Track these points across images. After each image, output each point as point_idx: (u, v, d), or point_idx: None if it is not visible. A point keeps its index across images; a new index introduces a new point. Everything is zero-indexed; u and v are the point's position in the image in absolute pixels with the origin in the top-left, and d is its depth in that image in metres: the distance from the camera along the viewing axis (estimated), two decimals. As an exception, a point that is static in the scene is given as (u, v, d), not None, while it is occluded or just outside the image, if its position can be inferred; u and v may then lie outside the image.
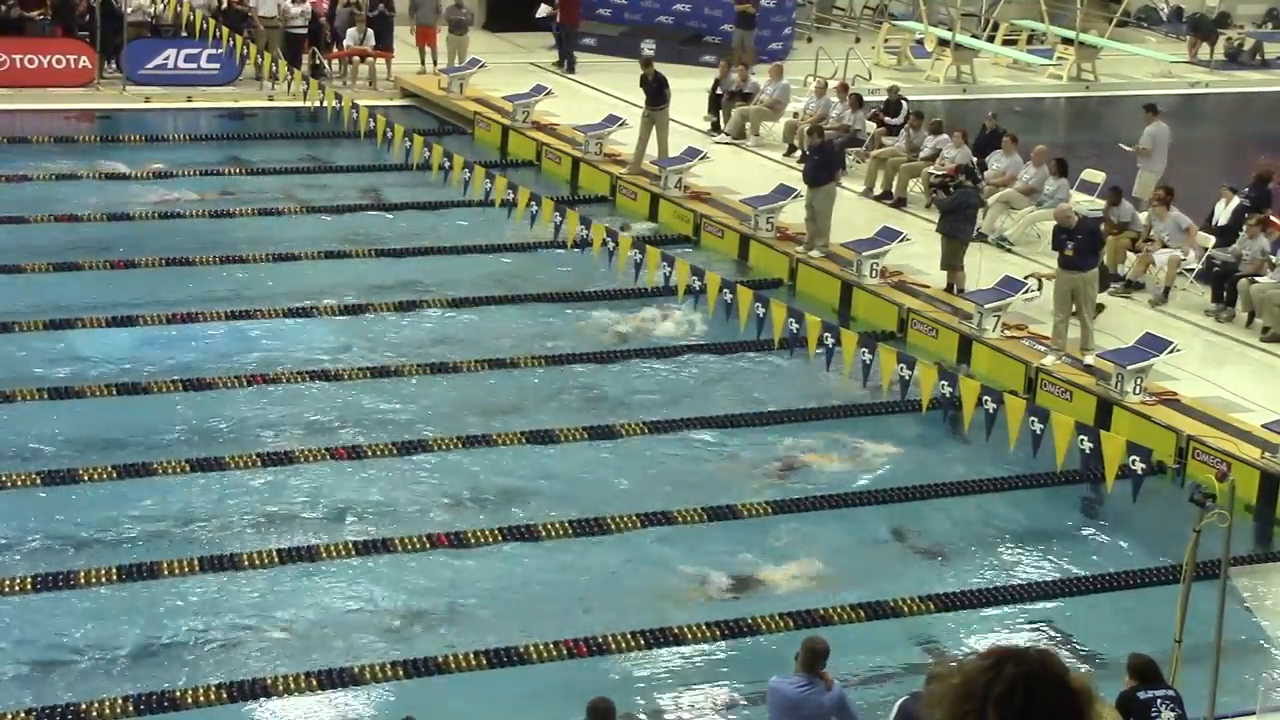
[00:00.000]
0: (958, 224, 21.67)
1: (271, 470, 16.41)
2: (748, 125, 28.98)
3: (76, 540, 14.95)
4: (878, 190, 25.97)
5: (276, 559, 14.66)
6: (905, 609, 14.41)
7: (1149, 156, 24.94)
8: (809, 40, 37.56)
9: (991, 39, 38.09)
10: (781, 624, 13.95)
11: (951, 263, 21.55)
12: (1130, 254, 22.29)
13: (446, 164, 23.23)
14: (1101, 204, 23.21)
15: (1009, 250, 23.28)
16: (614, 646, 13.53)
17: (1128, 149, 25.47)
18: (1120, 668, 11.83)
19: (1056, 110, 36.26)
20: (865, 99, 28.24)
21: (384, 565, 14.85)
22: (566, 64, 33.77)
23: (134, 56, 30.80)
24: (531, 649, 13.33)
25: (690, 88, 28.98)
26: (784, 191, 24.04)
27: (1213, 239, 22.22)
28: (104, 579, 14.02)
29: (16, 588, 13.77)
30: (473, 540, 15.16)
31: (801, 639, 11.68)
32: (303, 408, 18.07)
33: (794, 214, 23.51)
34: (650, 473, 17.20)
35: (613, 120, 27.74)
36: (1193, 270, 21.93)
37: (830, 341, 17.69)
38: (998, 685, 4.11)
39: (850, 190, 25.43)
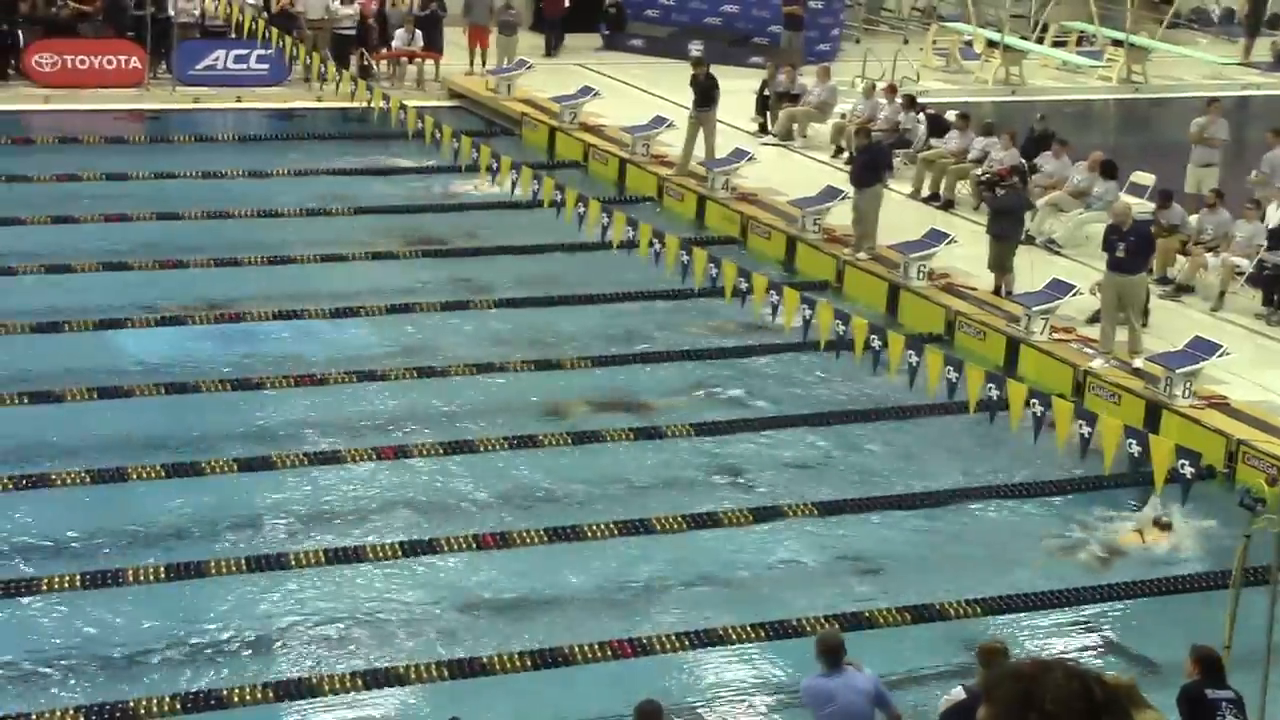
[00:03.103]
0: (1007, 226, 21.58)
1: (318, 470, 16.46)
2: (795, 127, 28.94)
3: (125, 539, 15.03)
4: (925, 192, 25.89)
5: (323, 559, 14.69)
6: (952, 612, 14.35)
7: (1265, 184, 23.94)
8: (857, 42, 37.49)
9: (1041, 40, 37.92)
10: (827, 625, 13.88)
11: (1000, 265, 21.46)
12: (1180, 257, 22.16)
13: (494, 164, 23.27)
14: (1151, 207, 23.07)
15: (1058, 253, 23.17)
16: (659, 648, 13.51)
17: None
18: (1168, 672, 11.79)
19: (1106, 112, 36.07)
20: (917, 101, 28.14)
21: (430, 565, 14.87)
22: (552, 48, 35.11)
23: (184, 57, 30.98)
24: (577, 650, 13.32)
25: (737, 89, 28.94)
26: (831, 193, 23.99)
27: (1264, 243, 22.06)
28: (152, 577, 14.06)
29: (66, 585, 13.84)
30: (518, 541, 15.15)
31: (847, 640, 11.63)
32: (349, 407, 18.12)
33: (841, 216, 23.46)
34: (695, 474, 17.18)
35: (660, 121, 27.74)
36: (1243, 274, 21.78)
37: (877, 344, 17.64)
38: (1046, 691, 4.10)
39: (898, 192, 25.36)
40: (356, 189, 25.94)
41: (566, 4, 35.86)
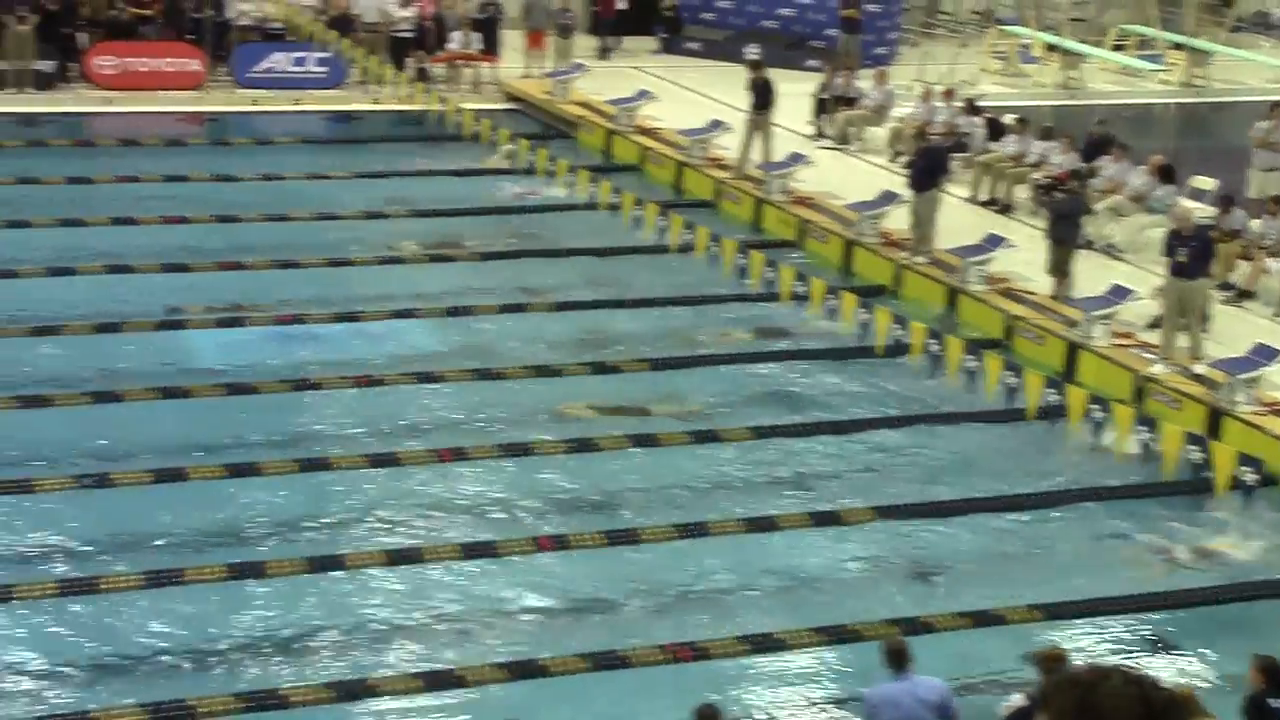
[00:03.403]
0: (1066, 230, 21.48)
1: (377, 471, 16.51)
2: (852, 130, 28.89)
3: (184, 539, 15.10)
4: (983, 196, 25.80)
5: (381, 559, 14.74)
6: (1012, 618, 14.28)
7: None
8: (914, 45, 37.39)
9: (1100, 44, 37.72)
10: (885, 631, 13.82)
11: (1059, 269, 21.35)
12: (1241, 262, 22.01)
13: (551, 167, 23.31)
14: (1213, 211, 22.91)
15: (1117, 257, 23.05)
16: (717, 652, 13.49)
17: None
18: (1230, 681, 11.68)
19: (1166, 116, 35.85)
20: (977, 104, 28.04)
21: (487, 567, 14.89)
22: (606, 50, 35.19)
23: (243, 60, 31.17)
24: (634, 653, 13.31)
25: (794, 92, 28.89)
26: (888, 197, 23.93)
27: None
28: (211, 577, 14.13)
29: (126, 585, 13.92)
30: (575, 543, 15.17)
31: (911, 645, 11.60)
32: (408, 409, 18.17)
33: (899, 220, 23.39)
34: (753, 477, 17.16)
35: (716, 125, 27.72)
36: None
37: (935, 348, 17.60)
38: (1103, 698, 4.09)
39: (956, 196, 25.27)
40: (414, 191, 26.01)
41: (621, 6, 35.93)
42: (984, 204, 25.64)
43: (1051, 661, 10.44)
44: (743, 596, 14.83)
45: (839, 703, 13.32)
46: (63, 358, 18.81)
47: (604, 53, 35.19)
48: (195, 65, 30.71)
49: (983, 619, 14.17)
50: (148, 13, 31.05)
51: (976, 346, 17.96)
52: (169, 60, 30.64)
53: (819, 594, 14.96)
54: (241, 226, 23.74)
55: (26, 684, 12.81)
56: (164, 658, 13.30)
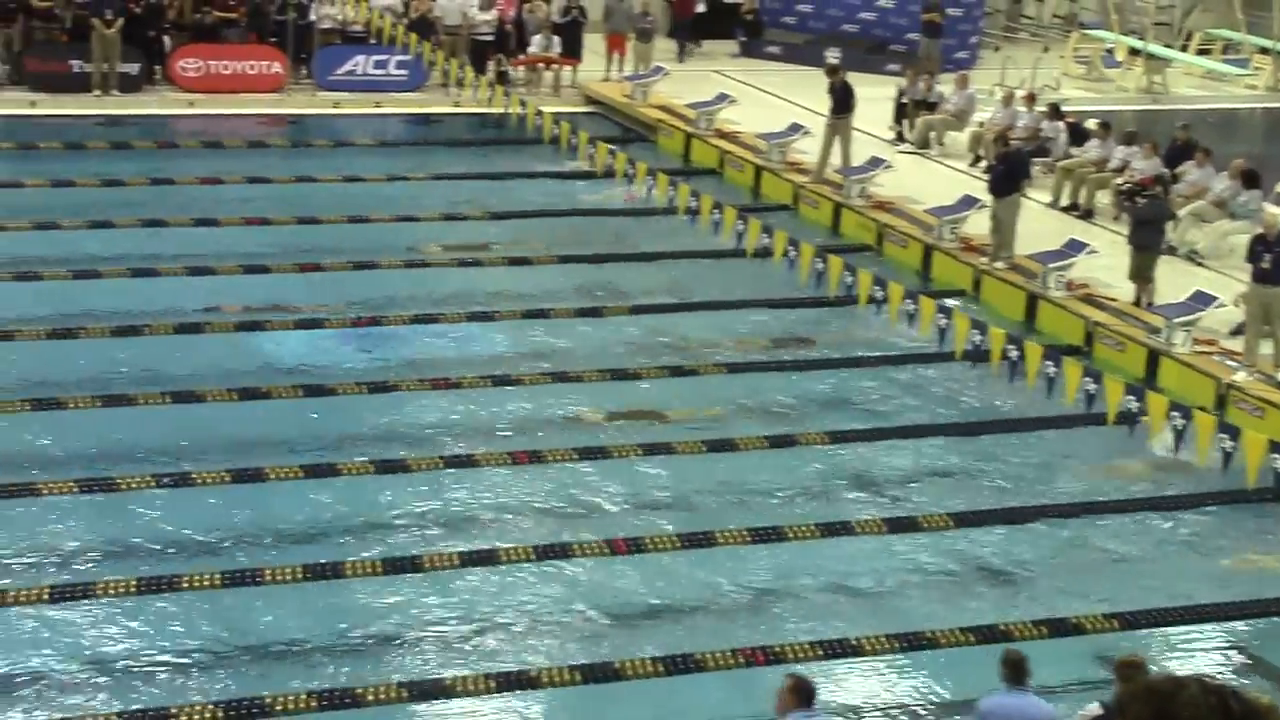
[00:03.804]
0: (1148, 236, 21.28)
1: (452, 472, 16.57)
2: (932, 135, 28.75)
3: (263, 538, 15.21)
4: (1065, 201, 25.60)
5: (456, 561, 14.77)
6: (1089, 626, 14.15)
7: None
8: (996, 49, 37.17)
9: (1185, 48, 37.35)
10: (961, 638, 13.77)
11: (1141, 275, 21.16)
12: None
13: (630, 171, 23.31)
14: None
15: (1200, 263, 22.82)
16: (791, 656, 13.43)
17: None
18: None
19: (1252, 121, 35.46)
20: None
21: (562, 569, 14.91)
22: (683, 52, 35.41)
23: (324, 62, 31.38)
24: (708, 656, 13.28)
25: (874, 96, 28.78)
26: (968, 202, 23.79)
27: None
28: (289, 577, 14.21)
29: (205, 584, 14.02)
30: (650, 546, 15.15)
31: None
32: (484, 411, 18.22)
33: (978, 224, 23.26)
34: (828, 482, 17.09)
35: (796, 129, 27.65)
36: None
37: (1014, 353, 17.48)
38: (1181, 707, 4.04)
39: (1037, 201, 25.09)
40: (493, 194, 26.09)
41: (700, 8, 35.91)
42: (1065, 209, 25.45)
43: (1130, 669, 10.34)
44: (818, 601, 14.77)
45: (911, 708, 13.25)
46: (144, 358, 18.97)
47: (681, 54, 35.19)
48: (277, 68, 30.93)
49: (1060, 627, 14.04)
50: (232, 16, 31.30)
51: (1056, 352, 17.81)
52: (251, 63, 30.88)
53: (895, 600, 14.88)
54: (321, 228, 23.87)
55: (106, 680, 12.93)
56: (241, 656, 13.40)
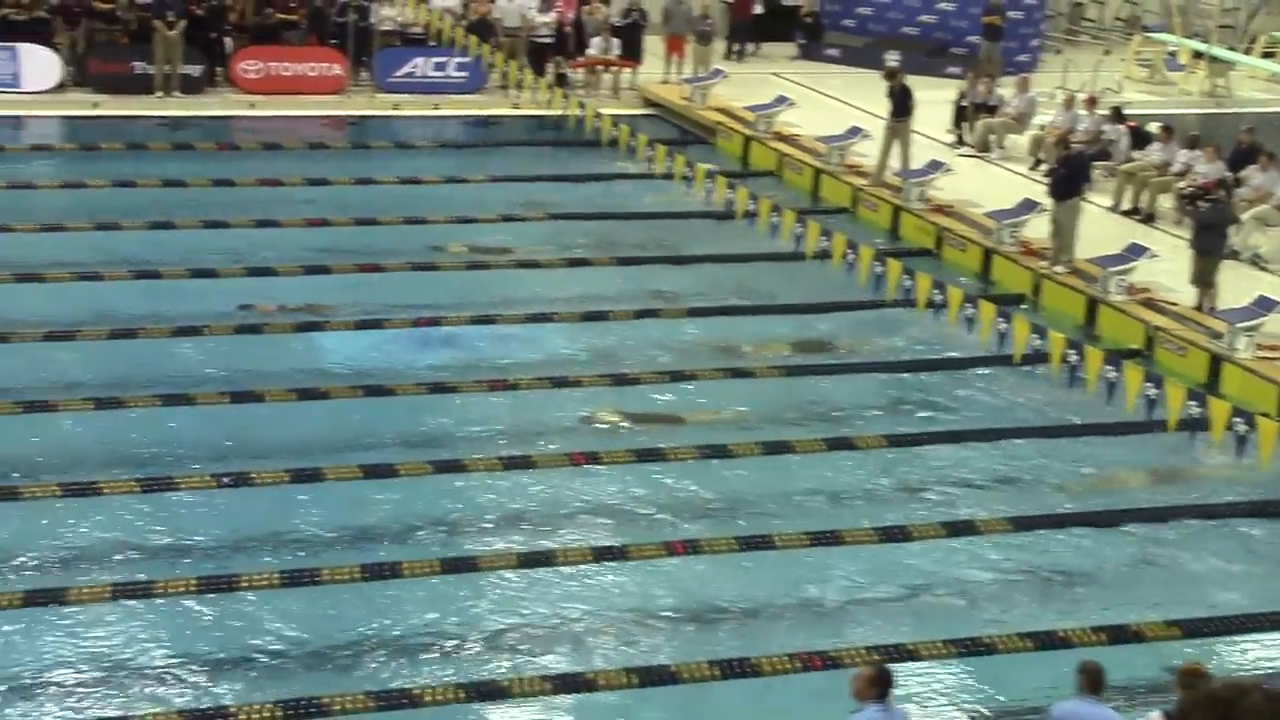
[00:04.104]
0: (1211, 240, 21.12)
1: (511, 474, 16.59)
2: (992, 138, 28.62)
3: (322, 538, 15.26)
4: (1126, 205, 25.43)
5: (514, 562, 14.79)
6: (1149, 634, 14.04)
7: None
8: (1057, 52, 36.97)
9: (1249, 51, 37.05)
10: (1019, 644, 13.69)
11: (1203, 280, 21.00)
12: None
13: (688, 173, 23.30)
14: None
15: (1263, 268, 22.63)
16: (849, 661, 13.36)
17: None
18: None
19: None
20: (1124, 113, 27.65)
21: (619, 571, 14.90)
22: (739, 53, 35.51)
23: (384, 64, 31.51)
24: (765, 661, 13.25)
25: (934, 99, 28.68)
26: (1028, 205, 23.66)
27: None
28: (347, 577, 14.25)
29: (265, 583, 14.08)
30: (708, 549, 15.13)
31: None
32: (541, 412, 18.24)
33: (1039, 228, 23.13)
34: (886, 486, 17.03)
35: (855, 132, 27.57)
36: None
37: (1074, 358, 17.38)
38: (1243, 715, 4.00)
39: (1098, 205, 24.94)
40: (552, 196, 26.11)
41: (757, 10, 35.87)
42: (1126, 213, 25.29)
43: (1192, 677, 10.25)
44: (875, 605, 14.72)
45: (969, 713, 13.18)
46: (203, 358, 19.07)
47: (738, 56, 35.17)
48: (337, 70, 31.07)
49: (1120, 634, 13.94)
50: (292, 18, 31.47)
51: (1116, 357, 17.70)
52: (311, 65, 31.04)
53: (952, 605, 14.81)
54: (381, 229, 23.95)
55: (165, 678, 13.00)
56: (299, 655, 13.45)
